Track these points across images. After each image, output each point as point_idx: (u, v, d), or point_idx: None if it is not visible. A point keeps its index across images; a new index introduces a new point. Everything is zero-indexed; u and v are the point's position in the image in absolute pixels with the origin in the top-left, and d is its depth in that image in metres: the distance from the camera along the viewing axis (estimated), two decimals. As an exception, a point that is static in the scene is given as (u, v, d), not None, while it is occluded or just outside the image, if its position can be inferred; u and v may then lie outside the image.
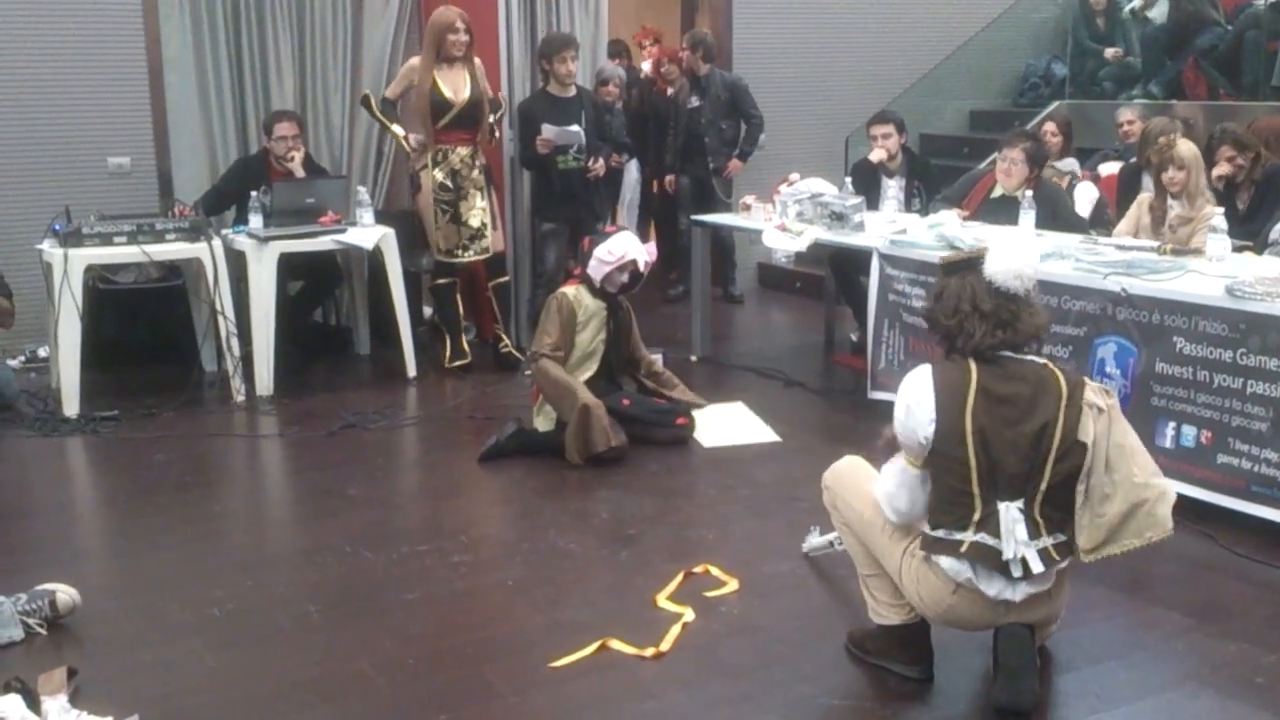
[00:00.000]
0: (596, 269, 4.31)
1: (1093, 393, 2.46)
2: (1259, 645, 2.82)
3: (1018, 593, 2.47)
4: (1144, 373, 3.75)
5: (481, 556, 3.44)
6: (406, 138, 5.32)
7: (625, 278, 4.37)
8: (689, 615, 2.97)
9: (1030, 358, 2.50)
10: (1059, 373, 2.48)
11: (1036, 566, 2.42)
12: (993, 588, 2.47)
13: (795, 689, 2.64)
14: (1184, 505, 3.55)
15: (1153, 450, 3.66)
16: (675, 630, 2.88)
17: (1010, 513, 2.42)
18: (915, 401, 2.45)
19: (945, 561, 2.48)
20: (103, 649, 2.87)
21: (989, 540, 2.43)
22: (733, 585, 3.16)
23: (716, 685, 2.67)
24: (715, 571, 3.23)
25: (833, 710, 2.57)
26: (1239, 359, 3.48)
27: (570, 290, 4.39)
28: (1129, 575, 3.29)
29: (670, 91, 7.18)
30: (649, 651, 2.79)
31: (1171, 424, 3.67)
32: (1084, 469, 2.44)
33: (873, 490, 2.64)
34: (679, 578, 3.19)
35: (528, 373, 5.37)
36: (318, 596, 3.14)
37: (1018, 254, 2.47)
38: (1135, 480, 2.44)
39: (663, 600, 3.06)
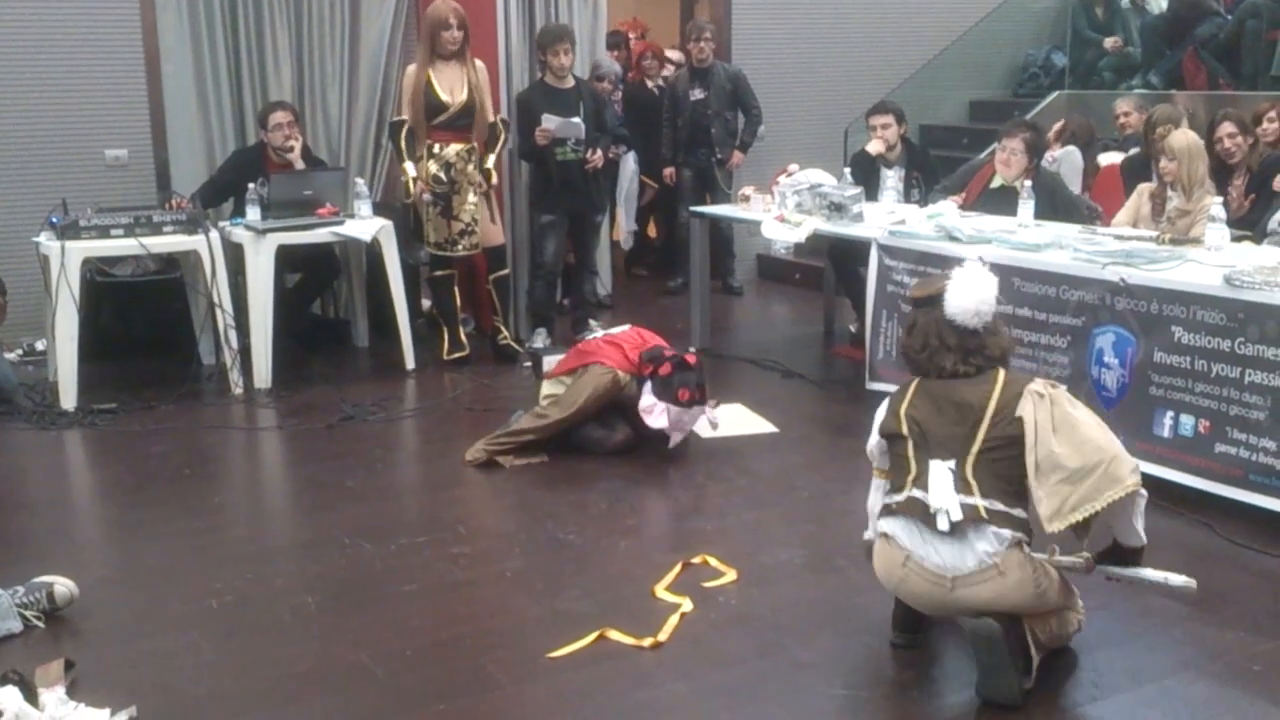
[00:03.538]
0: (641, 411, 4.05)
1: (1037, 383, 2.58)
2: (1256, 633, 2.83)
3: (954, 566, 2.50)
4: (1142, 362, 3.74)
5: (480, 548, 3.44)
6: (415, 180, 5.23)
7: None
8: (687, 605, 2.97)
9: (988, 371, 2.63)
10: (1002, 370, 2.63)
11: (955, 514, 2.49)
12: (930, 558, 2.53)
13: (793, 679, 2.65)
14: (1182, 494, 3.60)
15: (1151, 440, 3.71)
16: (673, 620, 2.89)
17: (940, 469, 2.54)
18: (878, 415, 2.74)
19: (889, 524, 2.60)
20: (100, 641, 2.87)
21: (919, 494, 2.56)
22: (731, 575, 3.16)
23: (715, 675, 2.67)
24: (713, 562, 3.24)
25: (831, 699, 2.57)
26: (1237, 348, 3.48)
27: (623, 377, 4.12)
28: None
29: (650, 85, 7.17)
30: (647, 642, 2.79)
31: (1170, 413, 3.67)
32: (1028, 443, 2.51)
33: None
34: (677, 568, 3.19)
35: (526, 364, 5.39)
36: (316, 588, 3.14)
37: (975, 290, 2.61)
38: (1086, 446, 2.49)
39: (661, 591, 3.06)
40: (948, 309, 2.61)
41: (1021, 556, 2.53)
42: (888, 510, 2.64)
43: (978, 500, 2.51)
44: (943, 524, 2.50)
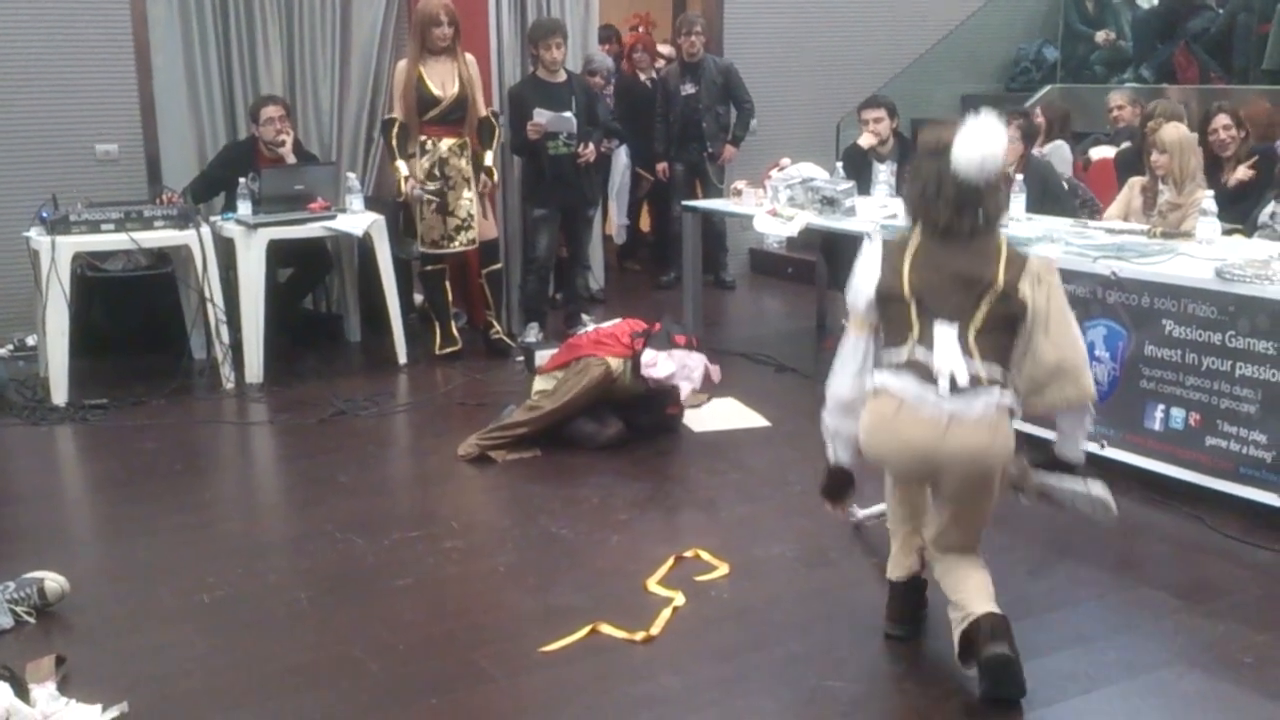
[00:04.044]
0: (644, 369, 4.11)
1: (1034, 261, 2.57)
2: (1247, 625, 2.84)
3: (956, 410, 2.50)
4: (1133, 356, 3.75)
5: (472, 542, 3.43)
6: (406, 179, 5.22)
7: (668, 387, 4.16)
8: (679, 599, 2.97)
9: (987, 235, 2.59)
10: (1005, 241, 2.60)
11: (962, 379, 2.50)
12: (928, 400, 2.52)
13: (786, 671, 2.65)
14: (1173, 487, 3.61)
15: (1142, 433, 3.72)
16: (666, 614, 2.89)
17: (944, 330, 2.54)
18: (864, 267, 2.66)
19: (885, 378, 2.58)
20: (92, 636, 2.87)
21: (923, 354, 2.55)
22: (723, 569, 3.16)
23: (707, 668, 2.68)
24: (706, 556, 3.24)
25: (823, 691, 2.58)
26: (1228, 341, 3.49)
27: (615, 364, 4.14)
28: (1118, 556, 3.30)
29: (643, 78, 7.15)
30: (639, 636, 2.79)
31: (1160, 406, 3.68)
32: (1024, 324, 2.53)
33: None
34: (669, 562, 3.19)
35: (519, 359, 5.39)
36: (308, 583, 3.14)
37: (982, 143, 2.54)
38: (1065, 342, 2.55)
39: (653, 585, 3.06)
40: (953, 158, 2.53)
41: (1010, 426, 2.55)
42: (887, 367, 2.59)
43: (979, 365, 2.51)
44: (944, 386, 2.49)
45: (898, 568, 2.81)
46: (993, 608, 2.54)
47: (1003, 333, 2.55)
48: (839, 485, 2.77)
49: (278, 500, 3.99)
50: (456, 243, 5.33)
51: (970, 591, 2.59)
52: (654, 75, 7.21)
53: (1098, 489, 2.67)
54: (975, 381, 2.50)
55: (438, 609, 3.00)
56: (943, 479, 2.58)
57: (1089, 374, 2.59)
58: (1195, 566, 3.21)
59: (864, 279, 2.64)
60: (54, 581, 2.96)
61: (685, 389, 4.13)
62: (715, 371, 4.27)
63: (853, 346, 2.68)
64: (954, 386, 2.49)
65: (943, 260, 2.57)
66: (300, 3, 5.83)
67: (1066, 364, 2.54)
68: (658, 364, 4.08)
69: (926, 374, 2.52)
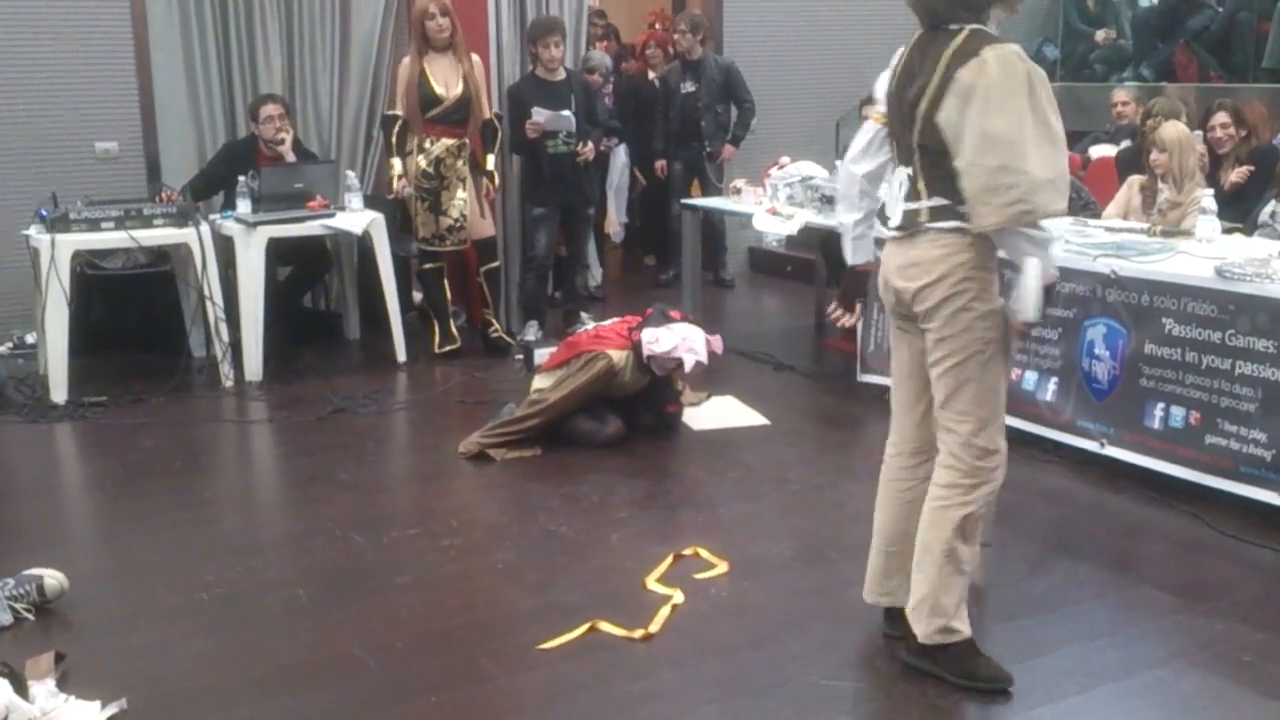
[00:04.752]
0: (646, 348, 4.11)
1: (968, 70, 2.32)
2: (1246, 624, 2.84)
3: (892, 249, 2.53)
4: (1133, 354, 3.75)
5: (472, 540, 3.44)
6: (400, 177, 5.23)
7: (673, 365, 4.18)
8: (678, 597, 2.97)
9: (966, 27, 2.39)
10: (961, 39, 2.37)
11: (894, 221, 2.50)
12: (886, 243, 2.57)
13: (784, 669, 2.65)
14: (1172, 486, 3.61)
15: (1141, 431, 3.72)
16: (665, 612, 2.89)
17: (899, 174, 2.52)
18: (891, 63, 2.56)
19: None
20: (91, 633, 2.87)
21: (884, 197, 2.58)
22: (722, 567, 3.16)
23: (706, 666, 2.68)
24: (705, 554, 3.24)
25: (822, 690, 2.58)
26: (1228, 340, 3.49)
27: (617, 356, 4.14)
28: (1117, 555, 3.31)
29: (652, 75, 7.15)
30: (638, 633, 2.79)
31: (1160, 405, 3.68)
32: (948, 146, 2.36)
33: None
34: (669, 560, 3.19)
35: (518, 357, 5.39)
36: (307, 580, 3.14)
37: None
38: (977, 171, 2.32)
39: (652, 583, 3.06)
40: None
41: (956, 254, 2.40)
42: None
43: (922, 204, 2.44)
44: (889, 224, 2.52)
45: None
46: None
47: (941, 157, 2.38)
48: (848, 286, 2.74)
49: (277, 497, 3.99)
50: (447, 242, 5.33)
51: (957, 598, 2.53)
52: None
53: (1029, 283, 2.38)
54: (911, 219, 2.44)
55: (437, 607, 3.00)
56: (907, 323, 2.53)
57: (1055, 192, 2.30)
58: (1194, 565, 3.21)
59: (884, 75, 2.55)
60: (53, 578, 2.96)
61: (690, 361, 4.11)
62: (716, 342, 4.24)
63: (863, 131, 2.62)
64: (891, 226, 2.50)
65: (904, 76, 2.45)
66: (300, 0, 5.83)
67: (970, 191, 2.33)
68: (659, 340, 4.09)
69: (882, 214, 2.55)
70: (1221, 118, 4.98)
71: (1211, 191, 4.29)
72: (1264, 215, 4.66)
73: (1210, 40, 7.30)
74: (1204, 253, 3.82)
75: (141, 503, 3.74)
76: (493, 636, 2.84)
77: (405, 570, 3.20)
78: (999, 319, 2.46)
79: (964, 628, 2.56)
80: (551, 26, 5.57)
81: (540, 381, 4.29)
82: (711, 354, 4.21)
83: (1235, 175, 4.97)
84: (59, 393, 4.72)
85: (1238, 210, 4.80)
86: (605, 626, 2.82)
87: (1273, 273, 3.45)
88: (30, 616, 2.90)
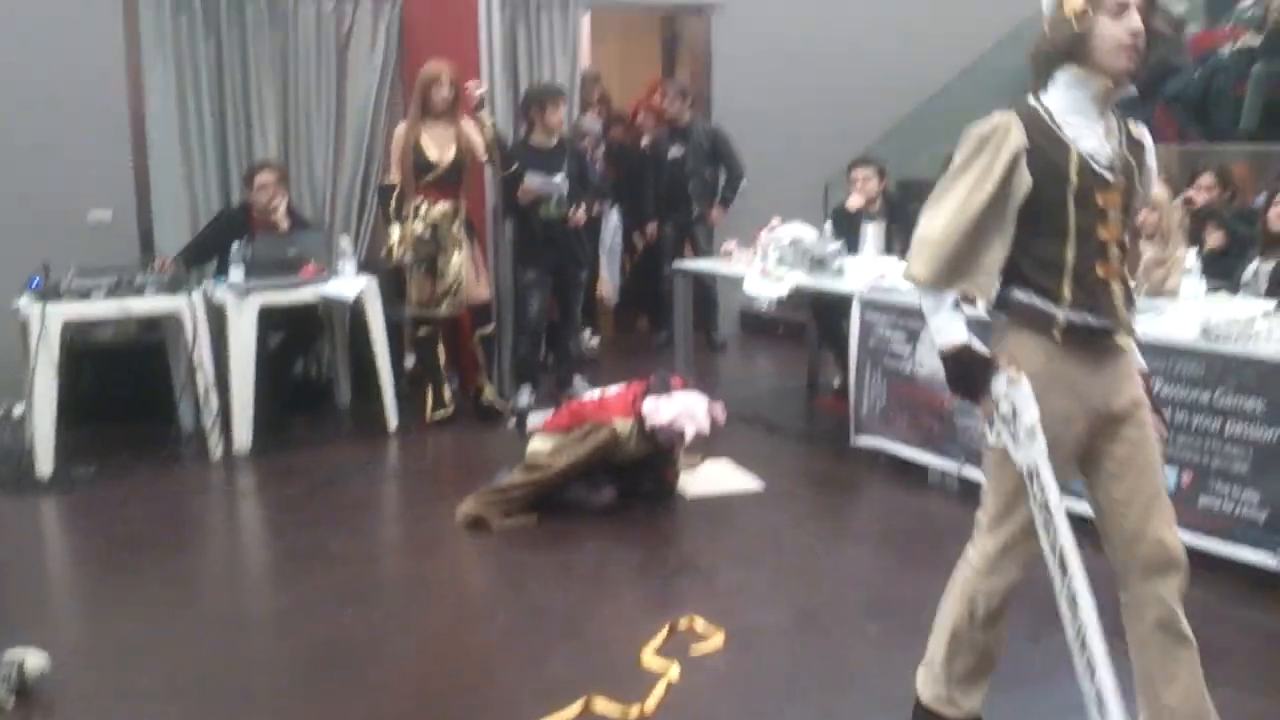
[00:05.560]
0: (649, 419, 4.10)
1: None
2: (1245, 690, 2.81)
3: None
4: (1124, 415, 3.75)
5: (464, 613, 3.40)
6: (399, 244, 5.27)
7: (676, 435, 4.13)
8: (674, 672, 2.92)
9: None
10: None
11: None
12: None
13: (782, 744, 2.61)
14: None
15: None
16: (660, 690, 2.84)
17: None
18: None
19: None
20: (72, 715, 2.81)
21: None
22: (718, 638, 3.12)
23: (703, 742, 2.63)
24: (701, 623, 3.20)
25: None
26: (1215, 400, 3.50)
27: (621, 426, 4.11)
28: (1114, 619, 3.26)
29: (644, 142, 7.25)
30: (634, 711, 2.74)
31: (1153, 466, 3.67)
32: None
33: None
34: (665, 631, 3.15)
35: (511, 424, 5.36)
36: (295, 657, 3.09)
37: None
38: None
39: (648, 656, 3.02)
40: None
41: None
42: None
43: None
44: None
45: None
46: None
47: None
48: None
49: (265, 571, 3.94)
50: (443, 307, 5.35)
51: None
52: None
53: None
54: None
55: (428, 682, 2.95)
56: None
57: (917, 256, 2.26)
58: (1192, 631, 3.17)
59: None
60: (34, 660, 2.90)
61: (690, 430, 4.09)
62: (718, 409, 4.22)
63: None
64: None
65: None
66: (295, 68, 5.89)
67: None
68: (659, 409, 4.07)
69: None
70: (1207, 180, 5.04)
71: (1195, 249, 4.34)
72: (1247, 275, 4.71)
73: (1188, 102, 7.43)
74: (1189, 313, 3.85)
75: (126, 578, 3.69)
76: (486, 714, 2.79)
77: (395, 645, 3.15)
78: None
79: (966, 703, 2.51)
80: (557, 90, 5.67)
81: (538, 444, 4.26)
82: (713, 422, 4.19)
83: (1214, 240, 5.03)
84: (45, 465, 4.67)
85: (1219, 269, 4.84)
86: (600, 704, 2.77)
87: (1258, 333, 3.47)
88: (10, 699, 2.83)
